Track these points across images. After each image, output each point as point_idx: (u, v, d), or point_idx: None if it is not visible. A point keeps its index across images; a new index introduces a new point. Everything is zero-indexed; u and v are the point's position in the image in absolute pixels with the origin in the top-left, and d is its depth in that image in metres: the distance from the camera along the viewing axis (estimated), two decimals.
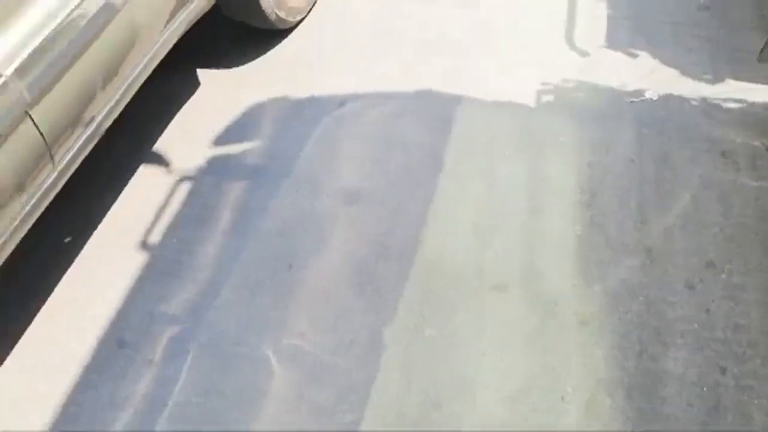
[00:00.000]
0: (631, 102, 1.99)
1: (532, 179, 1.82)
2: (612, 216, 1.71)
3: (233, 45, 2.30)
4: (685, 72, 2.03)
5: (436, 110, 2.03)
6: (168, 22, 1.68)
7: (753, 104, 1.93)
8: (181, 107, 2.11)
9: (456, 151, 1.90)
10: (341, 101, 2.09)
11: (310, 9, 2.36)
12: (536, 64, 2.12)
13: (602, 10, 2.26)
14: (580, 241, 1.66)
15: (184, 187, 1.87)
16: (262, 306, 1.60)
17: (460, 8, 2.34)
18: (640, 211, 1.71)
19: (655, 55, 2.09)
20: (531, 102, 2.03)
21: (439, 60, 2.17)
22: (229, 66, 2.24)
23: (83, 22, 1.35)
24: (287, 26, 2.26)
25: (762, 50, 1.64)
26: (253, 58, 2.26)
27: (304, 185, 1.86)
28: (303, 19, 2.33)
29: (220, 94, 2.15)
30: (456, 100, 2.05)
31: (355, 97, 2.09)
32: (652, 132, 1.90)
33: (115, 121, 1.61)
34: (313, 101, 2.10)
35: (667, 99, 1.98)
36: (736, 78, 1.98)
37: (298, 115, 2.07)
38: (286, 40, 2.30)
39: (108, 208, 1.84)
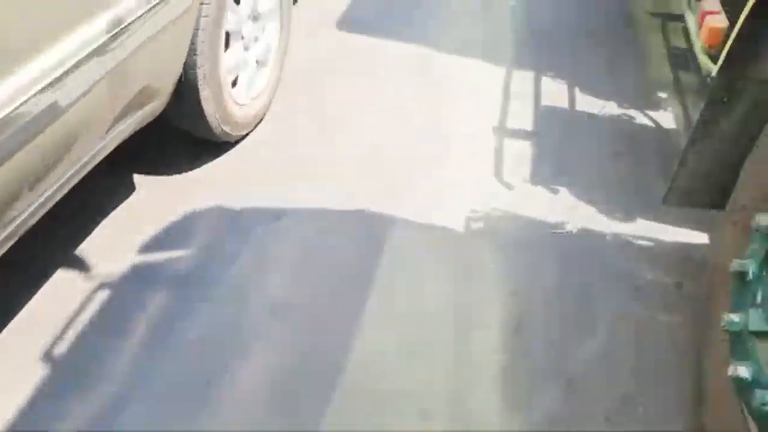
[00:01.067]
0: (554, 233, 2.11)
1: (458, 304, 1.86)
2: (535, 345, 1.75)
3: (174, 152, 2.32)
4: (601, 210, 2.19)
5: (368, 230, 2.08)
6: (110, 129, 1.69)
7: (661, 243, 2.08)
8: (111, 211, 2.07)
9: (385, 272, 1.93)
10: (277, 215, 2.12)
11: (257, 124, 2.45)
12: (467, 193, 2.23)
13: (528, 149, 2.45)
14: (504, 370, 1.68)
15: (103, 295, 1.79)
16: (171, 425, 1.49)
17: (394, 132, 2.48)
18: (562, 342, 1.75)
19: (574, 193, 2.26)
20: (460, 228, 2.12)
21: (375, 179, 2.26)
22: (168, 172, 2.25)
23: (19, 123, 1.35)
24: (232, 140, 2.32)
25: (665, 195, 1.80)
26: (194, 167, 2.28)
27: (231, 297, 1.82)
28: (249, 133, 2.40)
29: (155, 200, 2.14)
30: (389, 220, 2.11)
31: (291, 212, 2.13)
32: (572, 264, 2.00)
33: (39, 221, 1.56)
34: (249, 213, 2.12)
35: (585, 234, 2.11)
36: (646, 218, 2.14)
37: (233, 227, 2.07)
38: (229, 151, 2.35)
39: (16, 312, 1.72)
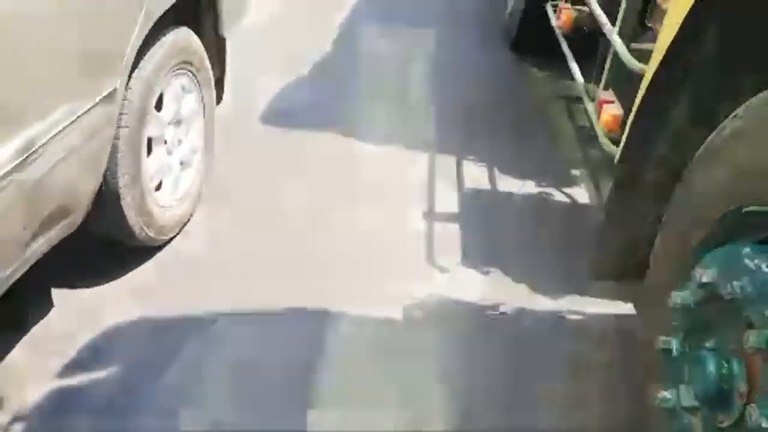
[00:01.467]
0: (489, 316, 2.14)
1: (402, 401, 1.82)
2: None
3: (95, 260, 2.22)
4: (532, 288, 2.24)
5: (305, 327, 2.03)
6: (27, 246, 1.60)
7: (593, 316, 2.15)
8: (26, 332, 1.93)
9: (325, 375, 1.87)
10: (209, 321, 2.04)
11: (183, 226, 2.39)
12: (403, 281, 2.24)
13: (457, 232, 2.52)
14: None
15: (16, 430, 1.63)
16: None
17: (322, 226, 2.48)
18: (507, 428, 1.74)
19: (505, 272, 2.32)
20: (398, 316, 2.11)
21: (308, 276, 2.23)
22: (88, 284, 2.13)
23: None
24: (156, 244, 2.25)
25: (589, 271, 1.87)
26: (117, 276, 2.17)
27: (160, 420, 1.70)
28: (174, 236, 2.34)
29: (75, 316, 2.01)
30: (326, 319, 2.07)
31: (223, 319, 2.05)
32: (509, 345, 2.02)
33: None
34: (177, 323, 2.02)
35: (520, 313, 2.15)
36: (576, 293, 2.21)
37: (162, 338, 1.97)
38: (155, 256, 2.27)
39: None
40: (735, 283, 1.05)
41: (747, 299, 1.03)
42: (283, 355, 1.94)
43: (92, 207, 1.86)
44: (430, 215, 2.59)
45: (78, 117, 1.61)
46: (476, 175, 2.84)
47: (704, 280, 1.15)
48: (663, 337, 1.31)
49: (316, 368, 1.89)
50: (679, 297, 1.24)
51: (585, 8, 2.75)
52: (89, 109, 1.66)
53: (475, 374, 1.92)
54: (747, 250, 1.07)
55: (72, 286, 2.11)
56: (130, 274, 2.18)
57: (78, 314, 2.01)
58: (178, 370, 1.86)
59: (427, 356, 1.97)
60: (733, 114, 1.24)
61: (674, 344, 1.27)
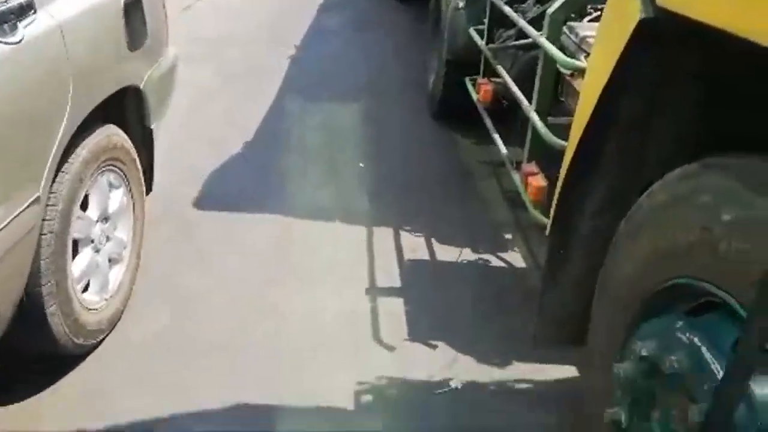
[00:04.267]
0: (439, 393, 2.11)
1: None
2: None
3: (16, 374, 2.04)
4: (479, 359, 2.25)
5: (250, 427, 1.94)
6: None
7: (540, 383, 2.17)
8: None
9: None
10: (147, 429, 1.91)
11: (115, 324, 2.26)
12: (348, 365, 2.19)
13: (400, 306, 2.51)
14: None
15: None
16: None
17: (263, 313, 2.41)
18: None
19: (452, 345, 2.31)
20: (349, 403, 2.05)
21: (249, 371, 2.14)
22: (12, 400, 1.95)
23: None
24: (84, 350, 2.11)
25: (533, 337, 1.90)
26: (44, 387, 2.01)
27: None
28: (103, 339, 2.20)
29: None
30: (270, 412, 1.99)
31: (162, 423, 1.93)
32: (464, 423, 2.00)
33: None
34: None
35: (469, 386, 2.14)
36: (522, 360, 2.23)
37: None
38: (85, 360, 2.12)
39: None
40: (673, 357, 1.09)
41: (686, 374, 1.06)
42: None
43: (12, 321, 1.73)
44: (373, 292, 2.58)
45: None
46: (415, 245, 2.87)
47: (644, 353, 1.19)
48: (610, 410, 1.33)
49: None
50: (621, 369, 1.27)
51: (501, 80, 2.91)
52: (10, 221, 1.57)
53: None
54: (680, 323, 1.12)
55: None
56: (59, 383, 2.03)
57: None
58: None
59: None
60: (648, 191, 1.33)
61: (622, 416, 1.30)
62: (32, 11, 1.69)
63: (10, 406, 1.94)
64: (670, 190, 1.26)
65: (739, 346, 0.91)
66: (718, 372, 1.01)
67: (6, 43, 1.58)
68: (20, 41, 1.62)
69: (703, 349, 1.06)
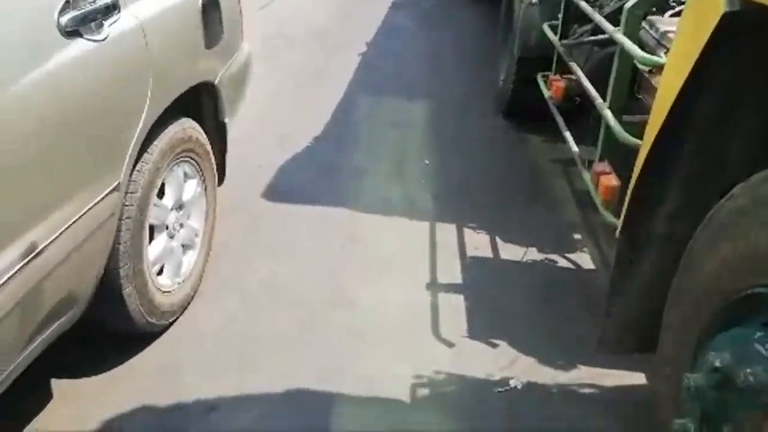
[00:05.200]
0: (498, 392, 2.08)
1: None
2: None
3: (93, 348, 2.17)
4: (541, 360, 2.20)
5: (309, 411, 1.98)
6: (24, 347, 1.58)
7: (605, 388, 2.10)
8: (23, 429, 1.88)
9: None
10: (210, 407, 1.99)
11: (184, 310, 2.37)
12: (407, 358, 2.20)
13: (461, 303, 2.49)
14: None
15: None
16: None
17: (327, 303, 2.45)
18: None
19: (513, 345, 2.28)
20: (406, 397, 2.06)
21: (312, 359, 2.19)
22: (87, 373, 2.09)
23: None
24: (157, 330, 2.22)
25: (598, 345, 1.84)
26: (116, 363, 2.13)
27: None
28: (174, 321, 2.31)
29: (73, 407, 1.96)
30: (331, 399, 2.02)
31: (225, 403, 2.00)
32: (523, 422, 1.96)
33: None
34: (178, 409, 1.98)
35: (530, 387, 2.10)
36: (586, 364, 2.17)
37: (160, 427, 1.91)
38: (155, 341, 2.24)
39: None
40: (748, 370, 1.02)
41: (762, 388, 1.00)
42: None
43: (92, 300, 1.85)
44: (434, 285, 2.58)
45: (81, 215, 1.63)
46: (478, 243, 2.84)
47: (717, 364, 1.13)
48: (679, 420, 1.28)
49: None
50: (692, 380, 1.22)
51: (574, 77, 2.83)
52: (92, 206, 1.68)
53: None
54: (759, 335, 1.06)
55: (70, 375, 2.07)
56: (129, 360, 2.15)
57: (77, 407, 1.97)
58: None
59: None
60: (730, 194, 1.26)
61: (691, 428, 1.24)
62: (117, 11, 1.80)
63: (89, 378, 2.07)
64: (753, 193, 1.19)
65: None
66: None
67: (93, 41, 1.68)
68: (105, 39, 1.72)
69: None
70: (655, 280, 1.61)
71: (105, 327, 2.09)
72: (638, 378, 2.11)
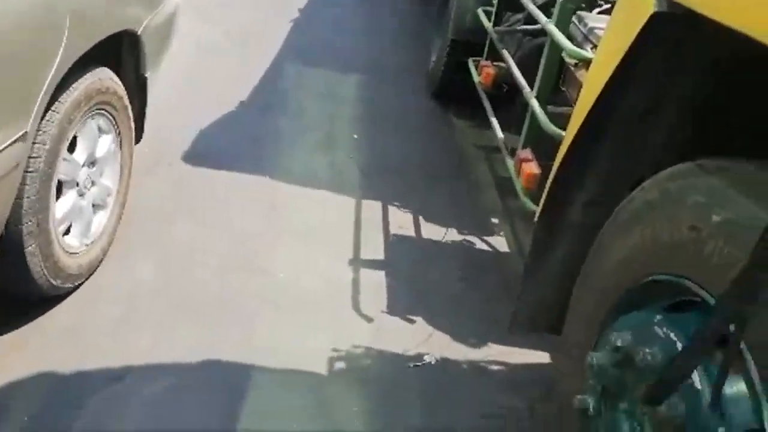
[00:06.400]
0: (414, 366, 2.14)
1: None
2: None
3: None
4: (455, 337, 2.28)
5: (224, 381, 1.95)
6: None
7: (513, 366, 2.20)
8: None
9: (245, 430, 1.80)
10: (117, 375, 1.91)
11: (94, 271, 2.25)
12: (326, 331, 2.21)
13: (382, 278, 2.52)
14: None
15: None
16: None
17: (246, 272, 2.41)
18: None
19: (429, 321, 2.34)
20: (323, 369, 2.07)
21: (228, 327, 2.15)
22: None
23: None
24: (61, 293, 2.09)
25: (510, 323, 1.92)
26: (12, 328, 1.99)
27: None
28: (82, 283, 2.19)
29: None
30: (246, 369, 2.00)
31: (134, 370, 1.93)
32: (433, 398, 2.03)
33: None
34: (82, 377, 1.88)
35: (443, 363, 2.17)
36: (496, 342, 2.26)
37: (63, 395, 1.81)
38: (57, 306, 2.10)
39: None
40: (647, 350, 1.11)
41: (658, 367, 1.09)
42: (200, 406, 1.84)
43: None
44: (356, 262, 2.59)
45: None
46: (402, 221, 2.88)
47: (619, 343, 1.21)
48: (579, 396, 1.36)
49: (236, 420, 1.81)
50: (594, 358, 1.30)
51: (504, 64, 2.90)
52: None
53: (397, 427, 1.90)
54: (658, 317, 1.14)
55: None
56: (31, 324, 2.01)
57: None
58: (80, 428, 1.71)
59: (349, 411, 1.94)
60: (641, 186, 1.34)
61: (590, 403, 1.32)
62: None
63: None
64: (662, 187, 1.27)
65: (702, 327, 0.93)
66: None
67: None
68: None
69: (678, 344, 1.08)
70: (566, 265, 1.69)
71: (5, 288, 1.94)
72: (542, 356, 2.24)
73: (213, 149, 3.16)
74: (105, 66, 2.09)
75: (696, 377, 1.00)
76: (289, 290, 2.36)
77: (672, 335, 1.10)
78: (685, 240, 1.13)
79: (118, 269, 2.31)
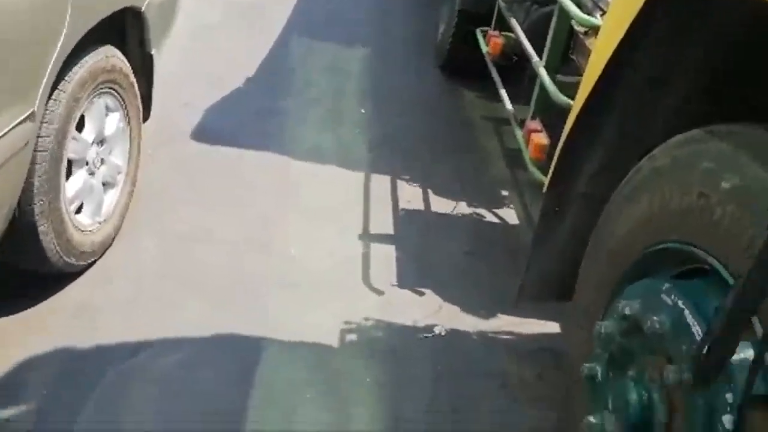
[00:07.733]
0: (424, 337, 2.16)
1: (338, 425, 1.80)
2: None
3: (7, 286, 2.06)
4: (465, 309, 2.29)
5: (236, 355, 1.98)
6: None
7: (522, 336, 2.22)
8: None
9: (258, 402, 1.83)
10: (132, 351, 1.95)
11: (107, 248, 2.28)
12: (337, 303, 2.23)
13: (392, 253, 2.53)
14: None
15: None
16: None
17: (256, 249, 2.42)
18: None
19: (439, 293, 2.35)
20: (334, 342, 2.09)
21: (239, 302, 2.18)
22: (2, 313, 1.99)
23: None
24: (76, 270, 2.13)
25: (517, 293, 1.92)
26: (33, 303, 2.04)
27: None
28: (95, 261, 2.22)
29: None
30: (257, 343, 2.03)
31: (148, 345, 1.96)
32: (444, 367, 2.05)
33: None
34: (98, 352, 1.92)
35: (453, 334, 2.19)
36: (506, 313, 2.27)
37: (80, 370, 1.86)
38: (74, 281, 2.14)
39: None
40: (655, 318, 1.11)
41: (666, 335, 1.09)
42: (214, 380, 1.88)
43: (4, 237, 1.74)
44: (366, 235, 2.60)
45: None
46: (410, 195, 2.87)
47: (627, 312, 1.21)
48: (587, 364, 1.37)
49: (248, 394, 1.84)
50: (603, 327, 1.30)
51: (513, 34, 2.85)
52: (3, 135, 1.55)
53: (407, 401, 1.92)
54: (666, 285, 1.14)
55: None
56: (47, 300, 2.05)
57: None
58: (95, 403, 1.76)
59: (361, 383, 1.96)
60: (650, 154, 1.32)
61: (598, 371, 1.33)
62: None
63: (7, 317, 1.97)
64: (671, 154, 1.26)
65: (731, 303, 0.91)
66: (698, 335, 1.04)
67: None
68: None
69: (686, 312, 1.08)
70: (575, 235, 1.68)
71: (19, 266, 1.97)
72: (551, 326, 2.25)
73: (219, 126, 3.16)
74: (110, 44, 2.09)
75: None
76: (300, 266, 2.38)
77: (680, 303, 1.09)
78: (694, 207, 1.12)
79: (131, 247, 2.34)
